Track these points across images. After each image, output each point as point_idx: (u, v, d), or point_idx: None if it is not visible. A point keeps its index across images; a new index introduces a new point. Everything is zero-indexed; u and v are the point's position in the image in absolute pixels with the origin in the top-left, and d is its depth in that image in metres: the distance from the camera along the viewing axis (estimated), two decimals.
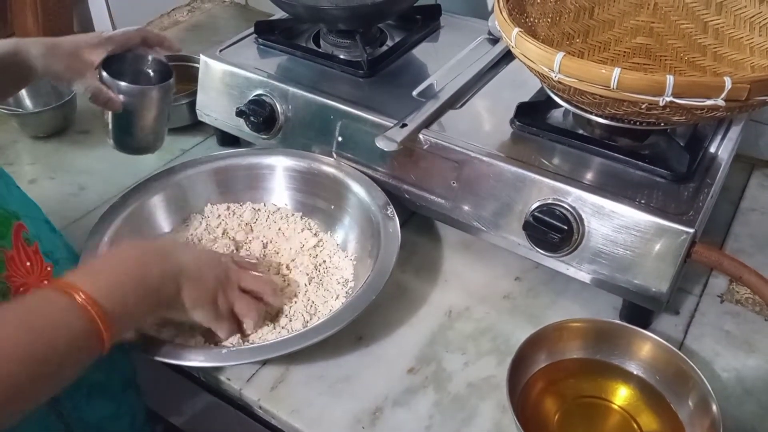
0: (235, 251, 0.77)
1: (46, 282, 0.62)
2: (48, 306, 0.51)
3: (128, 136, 0.81)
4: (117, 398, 0.71)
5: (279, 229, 0.80)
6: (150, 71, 0.82)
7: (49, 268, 0.63)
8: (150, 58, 0.81)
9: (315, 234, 0.80)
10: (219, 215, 0.82)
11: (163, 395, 0.82)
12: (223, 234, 0.79)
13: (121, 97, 0.76)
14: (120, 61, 0.78)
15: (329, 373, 0.67)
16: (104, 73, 0.75)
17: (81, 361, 0.52)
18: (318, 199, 0.82)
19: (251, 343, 0.66)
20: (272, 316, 0.70)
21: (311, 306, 0.71)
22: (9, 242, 0.59)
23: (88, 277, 0.54)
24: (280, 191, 0.84)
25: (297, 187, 0.83)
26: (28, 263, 0.61)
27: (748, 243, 0.81)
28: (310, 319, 0.69)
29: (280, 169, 0.83)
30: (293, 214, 0.82)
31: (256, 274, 0.69)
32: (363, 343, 0.69)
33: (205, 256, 0.66)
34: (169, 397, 0.84)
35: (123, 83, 0.76)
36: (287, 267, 0.76)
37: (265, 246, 0.78)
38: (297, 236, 0.79)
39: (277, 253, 0.77)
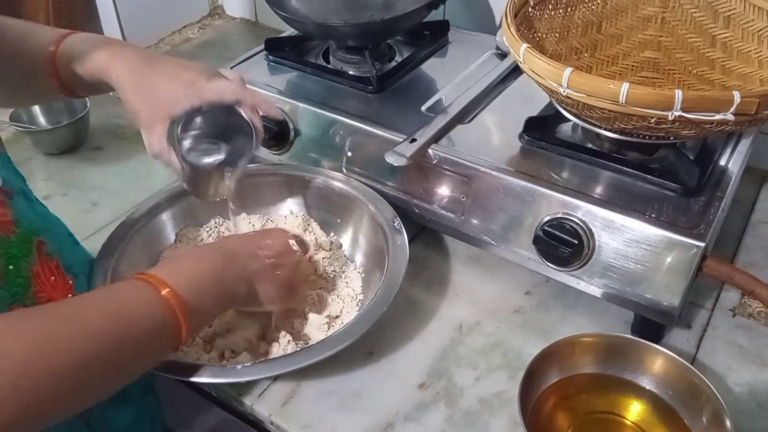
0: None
1: (70, 296, 0.63)
2: (134, 295, 0.54)
3: (197, 188, 0.71)
4: (138, 404, 0.71)
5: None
6: (229, 124, 0.67)
7: (71, 282, 0.64)
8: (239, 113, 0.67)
9: (323, 246, 0.80)
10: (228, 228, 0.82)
11: (176, 410, 0.82)
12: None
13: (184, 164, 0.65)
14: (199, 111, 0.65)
15: (340, 388, 0.67)
16: (179, 135, 0.64)
17: (158, 351, 0.56)
18: (326, 214, 0.83)
19: (262, 359, 0.66)
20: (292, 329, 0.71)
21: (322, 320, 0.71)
22: (34, 259, 0.60)
23: (172, 273, 0.57)
24: (288, 206, 0.84)
25: (305, 201, 0.84)
26: (53, 278, 0.62)
27: (760, 256, 0.81)
28: (324, 333, 0.69)
29: (288, 184, 0.84)
30: (303, 225, 0.82)
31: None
32: (374, 358, 0.69)
33: (274, 251, 0.66)
34: (182, 412, 0.84)
35: (190, 159, 0.65)
36: None
37: None
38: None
39: None
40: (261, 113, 0.68)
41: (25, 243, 0.59)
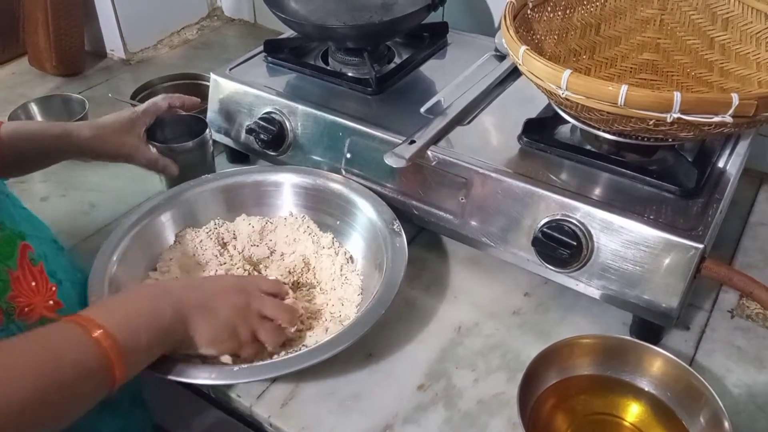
0: (249, 269, 0.77)
1: (51, 302, 0.63)
2: (65, 338, 0.53)
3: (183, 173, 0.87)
4: (125, 415, 0.71)
5: (286, 235, 0.81)
6: (184, 126, 0.90)
7: (53, 288, 0.63)
8: (181, 115, 0.90)
9: (323, 247, 0.80)
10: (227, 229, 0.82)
11: (173, 411, 0.82)
12: (231, 240, 0.80)
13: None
14: (158, 128, 0.87)
15: (339, 390, 0.67)
16: (154, 143, 0.84)
17: (90, 394, 0.54)
18: (325, 216, 0.82)
19: (261, 361, 0.66)
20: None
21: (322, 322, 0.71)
22: (14, 262, 0.59)
23: (103, 313, 0.56)
24: (287, 208, 0.84)
25: (304, 203, 0.83)
26: (33, 283, 0.61)
27: (758, 257, 0.81)
28: (322, 335, 0.69)
29: (287, 186, 0.84)
30: (303, 226, 0.82)
31: (278, 301, 0.68)
32: (373, 359, 0.69)
33: (220, 288, 0.65)
34: (179, 413, 0.84)
35: (177, 145, 0.85)
36: (295, 284, 0.76)
37: (272, 253, 0.79)
38: (304, 246, 0.80)
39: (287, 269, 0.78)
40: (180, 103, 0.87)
41: (8, 245, 0.59)
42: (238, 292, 0.65)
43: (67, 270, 0.68)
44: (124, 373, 0.54)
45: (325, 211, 0.82)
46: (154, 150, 0.83)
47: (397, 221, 0.76)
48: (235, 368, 0.63)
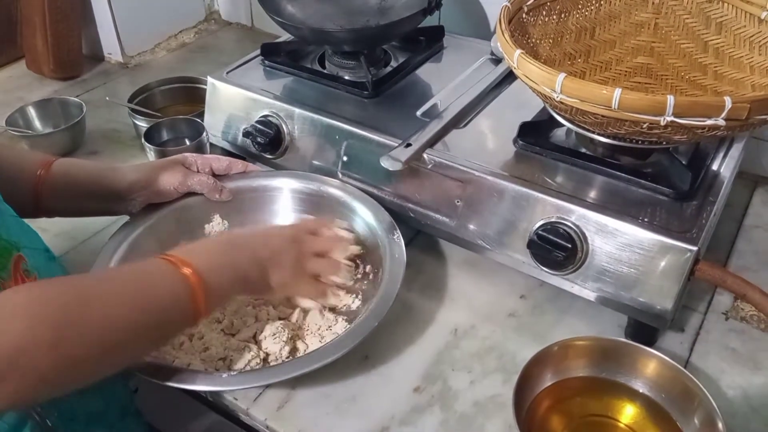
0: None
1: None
2: (157, 270, 0.59)
3: None
4: (115, 426, 0.70)
5: None
6: (181, 130, 0.98)
7: None
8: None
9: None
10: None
11: (169, 414, 0.82)
12: None
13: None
14: (155, 131, 0.95)
15: (336, 392, 0.67)
16: (151, 146, 0.91)
17: (176, 324, 0.60)
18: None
19: (257, 367, 0.67)
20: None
21: (317, 329, 0.71)
22: (8, 273, 0.59)
23: (191, 253, 0.61)
24: (286, 213, 0.84)
25: (303, 209, 0.83)
26: None
27: (753, 260, 0.81)
28: (319, 342, 0.70)
29: (286, 191, 0.84)
30: None
31: (327, 233, 0.74)
32: (369, 362, 0.70)
33: (278, 239, 0.70)
34: (175, 416, 0.84)
35: (174, 148, 0.92)
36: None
37: None
38: None
39: None
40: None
41: (2, 257, 0.59)
42: (291, 241, 0.70)
43: None
44: (207, 309, 0.60)
45: (322, 214, 0.82)
46: (206, 177, 0.81)
47: (398, 230, 0.75)
48: (230, 375, 0.63)
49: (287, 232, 0.72)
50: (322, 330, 0.71)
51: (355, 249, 0.75)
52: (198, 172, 0.81)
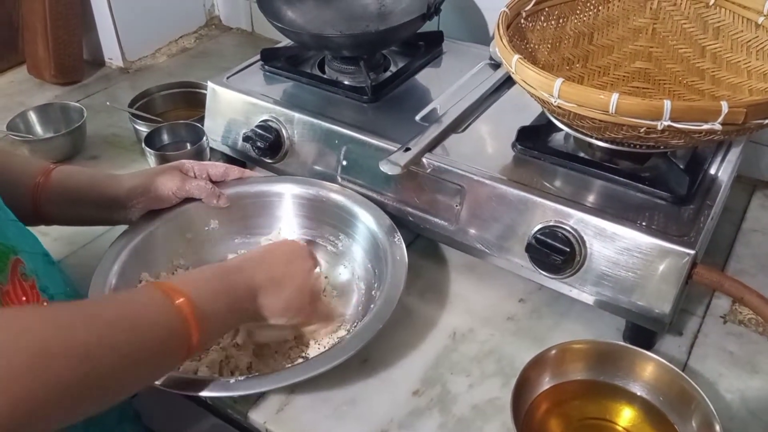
0: None
1: None
2: (148, 300, 0.56)
3: None
4: (113, 430, 0.70)
5: None
6: (181, 134, 0.99)
7: (45, 303, 0.63)
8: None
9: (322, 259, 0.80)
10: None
11: (168, 418, 0.82)
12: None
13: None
14: (156, 135, 0.96)
15: (335, 395, 0.67)
16: (151, 151, 0.91)
17: (168, 358, 0.57)
18: (325, 226, 0.82)
19: (257, 372, 0.67)
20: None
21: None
22: (6, 277, 0.59)
23: (183, 283, 0.58)
24: (287, 218, 0.84)
25: (304, 214, 0.83)
26: (24, 298, 0.61)
27: (751, 264, 0.81)
28: (318, 347, 0.70)
29: (287, 196, 0.84)
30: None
31: None
32: (368, 365, 0.70)
33: (279, 261, 0.68)
34: (174, 420, 0.84)
35: (174, 152, 0.90)
36: None
37: None
38: None
39: None
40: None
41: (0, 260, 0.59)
42: (301, 259, 0.69)
43: (59, 285, 0.68)
44: (200, 341, 0.57)
45: (325, 221, 0.82)
46: (204, 183, 0.80)
47: (398, 234, 0.75)
48: (231, 380, 0.63)
49: (290, 248, 0.71)
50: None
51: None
52: (195, 177, 0.81)
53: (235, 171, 0.83)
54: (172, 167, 0.81)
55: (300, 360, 0.70)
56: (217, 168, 0.83)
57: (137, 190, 0.77)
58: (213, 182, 0.82)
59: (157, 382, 0.62)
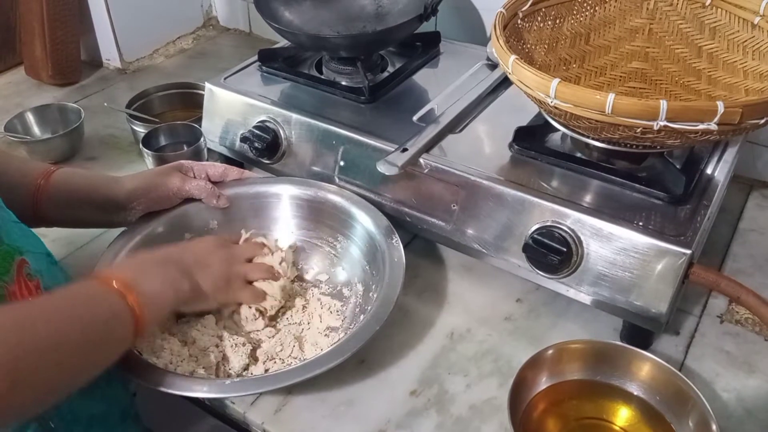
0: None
1: None
2: (90, 292, 0.59)
3: None
4: (115, 429, 0.70)
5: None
6: (179, 135, 0.98)
7: None
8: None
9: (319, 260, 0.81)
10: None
11: (166, 418, 0.83)
12: None
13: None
14: (153, 136, 0.96)
15: (332, 396, 0.67)
16: (148, 152, 0.92)
17: (115, 344, 0.59)
18: (323, 227, 0.82)
19: (255, 375, 0.67)
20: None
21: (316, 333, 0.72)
22: (12, 277, 0.59)
23: (117, 270, 0.63)
24: (285, 219, 0.84)
25: (302, 215, 0.83)
26: (30, 298, 0.61)
27: (748, 263, 0.82)
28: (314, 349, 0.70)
29: (285, 197, 0.84)
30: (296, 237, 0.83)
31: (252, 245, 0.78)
32: (366, 366, 0.70)
33: (203, 247, 0.73)
34: (172, 421, 0.84)
35: (171, 153, 0.91)
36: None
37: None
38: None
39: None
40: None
41: (5, 260, 0.59)
42: (221, 247, 0.74)
43: (62, 284, 0.68)
44: (143, 323, 0.60)
45: (323, 222, 0.82)
46: (203, 183, 0.81)
47: (396, 235, 0.75)
48: (228, 382, 0.63)
49: (210, 239, 0.75)
50: (321, 336, 0.72)
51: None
52: (195, 178, 0.82)
53: (234, 171, 0.84)
54: (172, 168, 0.81)
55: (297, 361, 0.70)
56: (216, 168, 0.83)
57: (137, 192, 0.77)
58: (212, 182, 0.82)
59: (158, 384, 0.62)
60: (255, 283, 0.74)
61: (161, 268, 0.66)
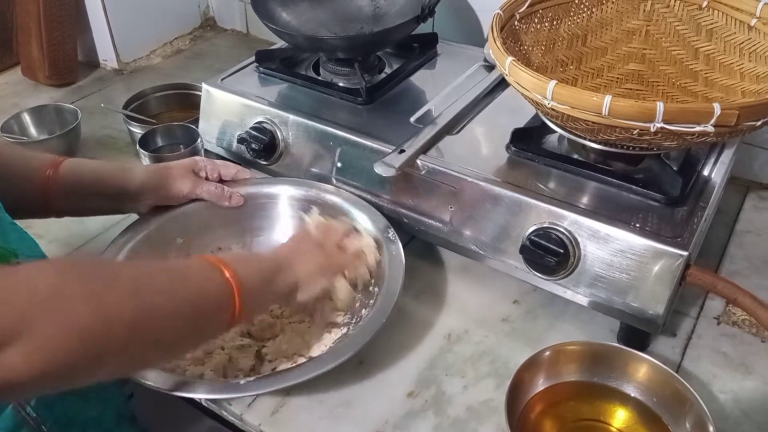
0: None
1: None
2: (200, 271, 0.59)
3: None
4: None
5: None
6: (176, 136, 0.98)
7: None
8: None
9: None
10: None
11: (163, 420, 0.82)
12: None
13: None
14: (150, 137, 0.96)
15: (330, 397, 0.67)
16: (145, 153, 0.92)
17: (212, 325, 0.59)
18: None
19: (254, 376, 0.67)
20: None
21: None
22: None
23: (235, 261, 0.61)
24: (283, 219, 0.84)
25: (300, 215, 0.83)
26: None
27: (744, 265, 0.82)
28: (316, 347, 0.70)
29: (284, 197, 0.84)
30: None
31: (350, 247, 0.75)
32: (364, 367, 0.70)
33: (300, 240, 0.72)
34: (170, 422, 0.84)
35: (168, 154, 0.91)
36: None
37: None
38: None
39: None
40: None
41: (0, 263, 0.59)
42: (315, 241, 0.72)
43: None
44: (242, 311, 0.59)
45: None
46: (214, 187, 0.81)
47: (392, 229, 0.76)
48: (227, 383, 0.63)
49: (307, 235, 0.74)
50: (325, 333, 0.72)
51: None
52: (207, 178, 0.82)
53: (245, 172, 0.85)
54: (186, 168, 0.81)
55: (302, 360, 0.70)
56: (229, 169, 0.84)
57: (148, 186, 0.78)
58: (223, 181, 0.83)
59: (156, 384, 0.62)
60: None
61: (260, 262, 0.66)
